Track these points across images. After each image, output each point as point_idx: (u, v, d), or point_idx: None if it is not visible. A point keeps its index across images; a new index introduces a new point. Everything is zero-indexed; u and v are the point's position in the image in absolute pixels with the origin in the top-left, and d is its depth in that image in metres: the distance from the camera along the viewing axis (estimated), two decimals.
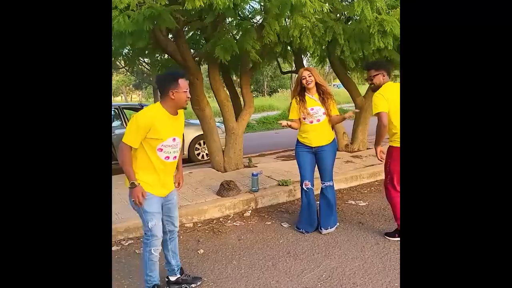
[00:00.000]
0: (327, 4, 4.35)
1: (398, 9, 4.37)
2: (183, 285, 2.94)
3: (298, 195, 4.98)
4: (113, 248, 3.74)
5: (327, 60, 8.03)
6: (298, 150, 3.83)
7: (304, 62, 8.15)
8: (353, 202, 4.79)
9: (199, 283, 2.99)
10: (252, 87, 7.33)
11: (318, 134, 3.74)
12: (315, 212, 3.85)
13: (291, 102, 3.85)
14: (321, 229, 3.82)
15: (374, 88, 3.54)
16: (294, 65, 7.72)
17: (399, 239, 3.57)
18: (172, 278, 2.96)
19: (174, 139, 2.65)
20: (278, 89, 25.53)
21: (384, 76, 3.50)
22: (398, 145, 3.35)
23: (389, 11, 4.42)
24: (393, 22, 4.31)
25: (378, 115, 3.38)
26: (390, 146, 3.50)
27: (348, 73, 7.85)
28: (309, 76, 3.69)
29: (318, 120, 3.71)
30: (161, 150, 2.61)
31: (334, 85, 31.02)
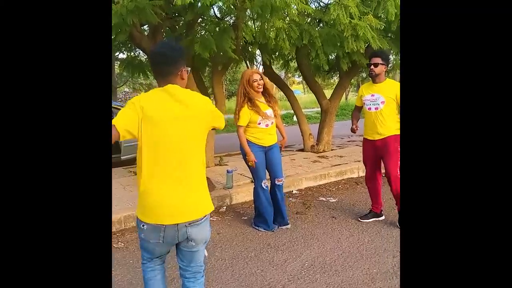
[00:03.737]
0: (312, 5, 4.51)
1: (370, 16, 4.62)
2: None
3: None
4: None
5: (289, 63, 8.26)
6: (252, 151, 3.72)
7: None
8: (323, 199, 4.98)
9: None
10: (209, 90, 7.30)
11: (272, 135, 3.84)
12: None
13: (240, 108, 3.68)
14: (288, 224, 3.97)
15: (373, 76, 3.75)
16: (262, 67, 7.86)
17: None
18: None
19: None
20: None
21: (385, 69, 3.74)
22: None
23: (361, 17, 4.65)
24: (365, 27, 4.55)
25: None
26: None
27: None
28: (260, 80, 3.65)
29: (272, 122, 3.79)
30: None
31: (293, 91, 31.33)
